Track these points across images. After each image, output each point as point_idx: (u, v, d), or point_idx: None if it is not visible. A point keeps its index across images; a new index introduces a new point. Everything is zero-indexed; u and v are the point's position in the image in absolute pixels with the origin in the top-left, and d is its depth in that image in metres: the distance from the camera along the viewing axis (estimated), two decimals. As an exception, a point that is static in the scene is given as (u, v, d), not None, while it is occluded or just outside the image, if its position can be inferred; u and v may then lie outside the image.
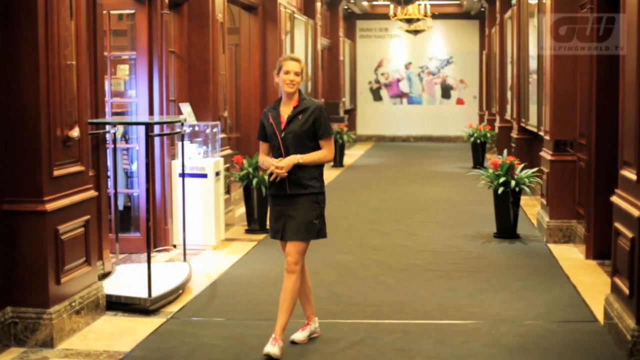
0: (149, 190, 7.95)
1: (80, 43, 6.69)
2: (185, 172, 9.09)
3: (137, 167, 9.84)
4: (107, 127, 8.26)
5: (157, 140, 9.55)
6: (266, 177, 10.28)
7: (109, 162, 8.56)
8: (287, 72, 6.06)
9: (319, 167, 6.16)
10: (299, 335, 6.30)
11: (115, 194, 8.67)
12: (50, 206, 6.19)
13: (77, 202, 6.60)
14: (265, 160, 6.15)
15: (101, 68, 8.18)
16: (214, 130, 10.44)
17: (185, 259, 8.61)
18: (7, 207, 6.17)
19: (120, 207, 9.75)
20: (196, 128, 10.24)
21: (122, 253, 8.99)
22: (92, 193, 6.91)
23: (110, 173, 8.61)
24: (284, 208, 6.07)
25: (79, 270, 6.63)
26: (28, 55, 6.11)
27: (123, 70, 10.79)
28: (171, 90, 10.28)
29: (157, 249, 9.57)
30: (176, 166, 9.68)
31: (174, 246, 9.82)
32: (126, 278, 7.77)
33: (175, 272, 8.01)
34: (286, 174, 5.98)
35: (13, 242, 6.20)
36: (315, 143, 6.10)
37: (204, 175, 9.83)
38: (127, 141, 10.12)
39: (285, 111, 6.11)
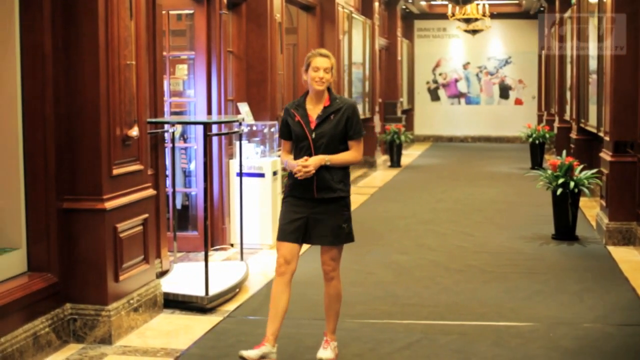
0: (206, 190, 7.99)
1: (139, 43, 6.76)
2: (243, 171, 9.12)
3: (195, 166, 9.92)
4: (166, 127, 8.34)
5: (215, 139, 9.61)
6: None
7: (168, 161, 8.63)
8: (316, 69, 5.66)
9: (346, 169, 5.81)
10: (251, 353, 5.63)
11: (174, 192, 8.74)
12: (109, 204, 6.26)
13: (135, 200, 6.66)
14: (289, 161, 5.77)
15: (160, 68, 8.25)
16: (272, 129, 10.48)
17: (242, 258, 8.64)
18: (68, 205, 6.26)
19: (178, 206, 9.83)
20: (254, 127, 10.29)
21: (180, 251, 9.07)
22: (150, 192, 6.98)
23: (168, 172, 8.68)
24: (308, 211, 5.71)
25: (137, 268, 6.70)
26: (88, 55, 6.19)
27: (182, 70, 10.88)
28: (229, 89, 10.34)
29: (215, 247, 9.63)
30: (234, 165, 9.73)
31: (231, 245, 9.88)
32: (184, 276, 7.83)
33: (232, 271, 8.05)
34: (312, 173, 5.60)
35: (73, 240, 6.28)
36: (346, 145, 5.74)
37: (262, 175, 9.86)
38: (185, 140, 10.19)
39: (314, 110, 5.73)
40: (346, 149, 5.75)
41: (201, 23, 9.64)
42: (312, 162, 5.60)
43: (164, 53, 8.97)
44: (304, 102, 5.78)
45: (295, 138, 5.77)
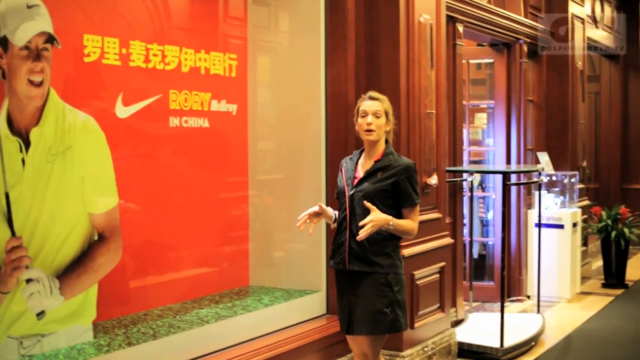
0: (504, 239, 7.92)
1: (440, 92, 6.82)
2: (542, 222, 8.96)
3: (493, 215, 9.84)
4: (465, 175, 8.34)
5: (513, 189, 9.51)
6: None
7: (465, 210, 8.62)
8: (364, 114, 4.75)
9: (393, 240, 4.71)
10: None
11: (471, 242, 8.70)
12: (407, 251, 6.30)
13: (433, 248, 6.68)
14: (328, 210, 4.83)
15: (460, 116, 8.29)
16: (572, 180, 10.22)
17: (538, 311, 8.46)
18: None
19: (475, 255, 9.78)
20: (553, 177, 10.09)
21: (476, 301, 8.99)
22: (448, 240, 6.98)
23: (466, 221, 8.66)
24: (346, 289, 4.74)
25: (432, 315, 6.70)
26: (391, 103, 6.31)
27: (481, 118, 10.87)
28: (528, 138, 10.20)
29: (511, 298, 9.49)
30: (532, 216, 9.57)
31: (528, 297, 9.69)
32: (478, 326, 7.75)
33: (528, 323, 7.89)
34: (366, 235, 4.49)
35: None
36: (392, 210, 4.65)
37: (561, 226, 9.63)
38: (483, 189, 10.15)
39: (365, 165, 4.77)
40: (394, 216, 4.66)
41: (501, 72, 9.62)
42: (377, 220, 4.52)
43: (464, 102, 9.00)
44: (358, 156, 4.87)
45: (337, 195, 4.86)
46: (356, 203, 4.63)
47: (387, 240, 4.65)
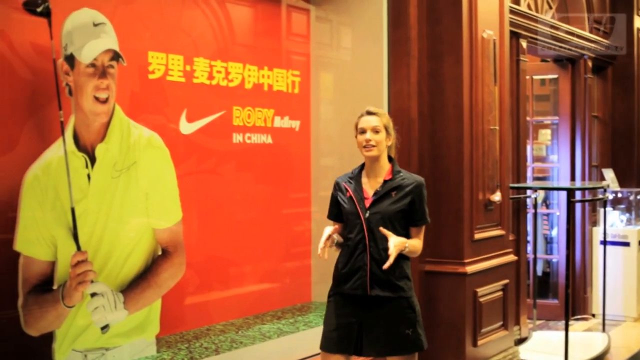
0: (568, 257, 7.83)
1: (503, 108, 6.77)
2: (607, 239, 8.83)
3: (557, 232, 9.73)
4: (528, 192, 8.26)
5: (578, 206, 9.39)
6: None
7: (529, 227, 8.54)
8: (362, 131, 4.46)
9: (408, 261, 4.45)
10: None
11: (535, 259, 8.62)
12: (470, 268, 6.27)
13: (496, 265, 6.63)
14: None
15: (523, 133, 8.22)
16: (638, 197, 10.07)
17: (603, 330, 8.35)
18: (430, 267, 6.34)
19: (539, 273, 9.68)
20: (619, 194, 9.95)
21: (539, 319, 8.89)
22: (511, 257, 6.92)
23: (530, 238, 8.58)
24: (359, 313, 4.37)
25: (495, 333, 6.64)
26: (453, 120, 6.28)
27: (544, 135, 10.77)
28: (593, 155, 10.08)
29: (575, 317, 9.36)
30: (597, 233, 9.44)
31: (593, 315, 9.55)
32: (542, 344, 7.67)
33: (593, 342, 7.79)
34: (391, 263, 4.21)
35: (433, 302, 6.34)
36: (404, 230, 4.42)
37: (626, 244, 9.48)
38: (547, 206, 10.05)
39: (371, 185, 4.47)
40: (405, 234, 4.43)
41: (565, 88, 9.53)
42: (397, 245, 4.26)
43: (527, 118, 8.92)
44: (359, 175, 4.54)
45: (346, 218, 4.49)
46: (374, 226, 4.34)
47: (405, 262, 4.42)
